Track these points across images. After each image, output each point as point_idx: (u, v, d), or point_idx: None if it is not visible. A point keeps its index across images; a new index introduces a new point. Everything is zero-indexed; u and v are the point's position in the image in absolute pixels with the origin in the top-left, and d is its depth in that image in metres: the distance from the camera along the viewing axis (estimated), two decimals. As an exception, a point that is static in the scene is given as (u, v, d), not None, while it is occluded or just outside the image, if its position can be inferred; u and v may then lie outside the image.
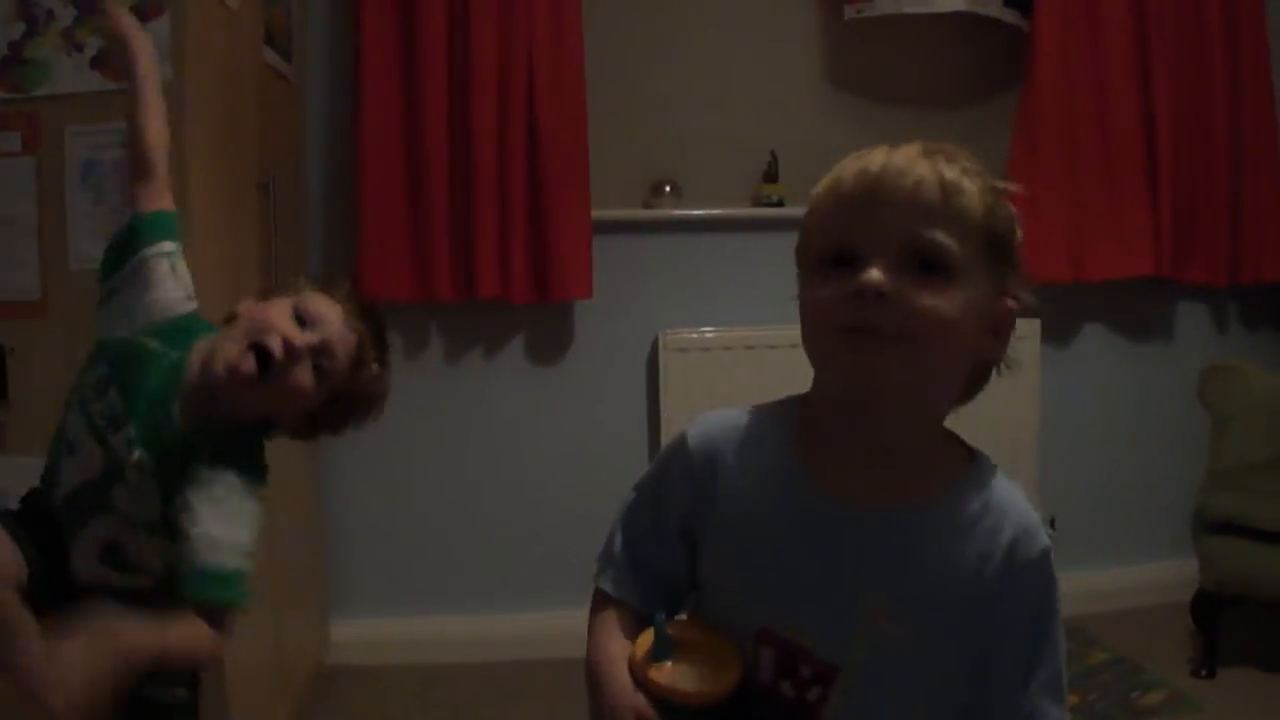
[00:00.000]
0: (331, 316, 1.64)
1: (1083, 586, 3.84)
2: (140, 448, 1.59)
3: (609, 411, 3.55)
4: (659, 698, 1.14)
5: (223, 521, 1.54)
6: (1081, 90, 3.68)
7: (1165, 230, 3.70)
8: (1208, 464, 3.53)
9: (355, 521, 3.48)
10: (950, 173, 1.13)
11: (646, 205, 3.62)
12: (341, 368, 1.66)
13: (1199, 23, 3.75)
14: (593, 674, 1.21)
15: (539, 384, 3.53)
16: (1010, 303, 1.16)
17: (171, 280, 1.74)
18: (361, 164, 3.29)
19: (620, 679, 1.17)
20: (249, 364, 1.58)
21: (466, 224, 3.34)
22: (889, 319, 1.07)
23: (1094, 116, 3.69)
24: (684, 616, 1.26)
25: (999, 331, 1.17)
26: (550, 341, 3.55)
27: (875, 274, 1.07)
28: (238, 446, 1.63)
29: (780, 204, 3.58)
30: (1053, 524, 3.81)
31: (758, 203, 3.63)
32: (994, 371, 1.22)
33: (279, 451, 2.88)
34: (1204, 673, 3.23)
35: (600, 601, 1.29)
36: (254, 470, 1.64)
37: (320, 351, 1.63)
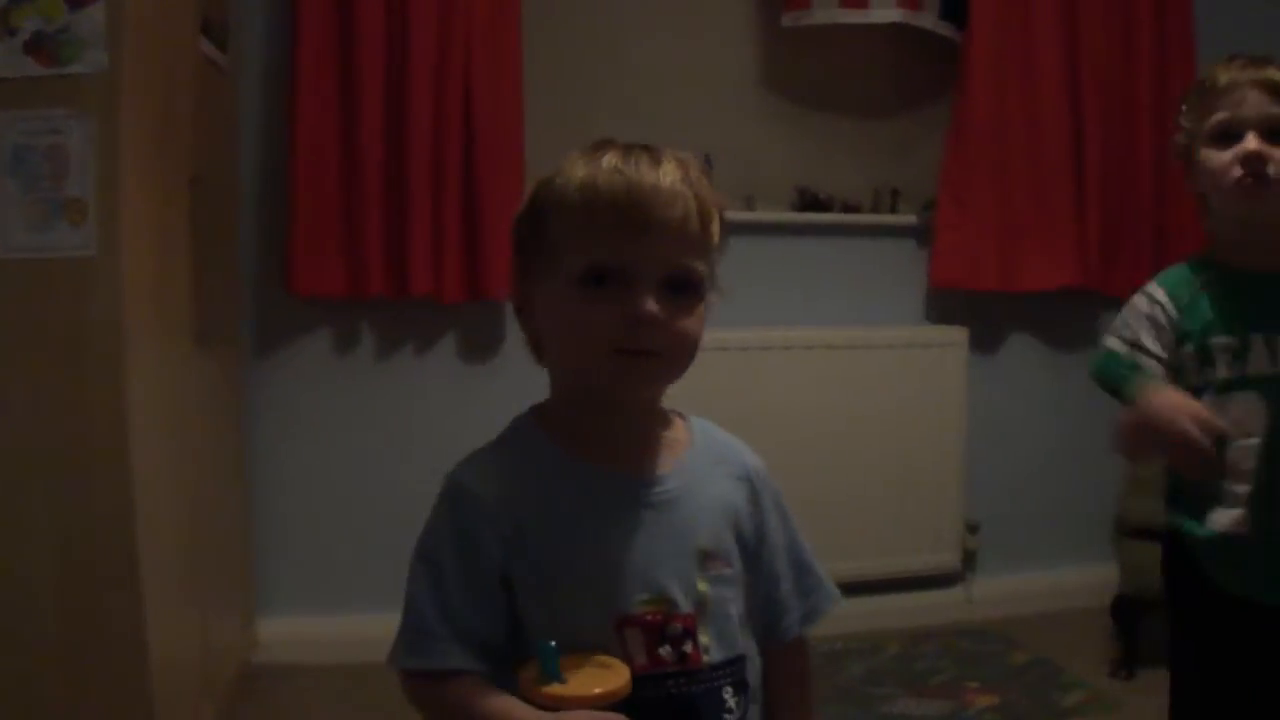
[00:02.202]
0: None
1: (1006, 590, 3.91)
2: None
3: (540, 411, 3.53)
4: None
5: None
6: (1012, 103, 3.75)
7: (1091, 242, 3.77)
8: (1129, 471, 3.59)
9: (283, 518, 3.45)
10: (706, 196, 1.23)
11: (581, 206, 3.61)
12: None
13: (1129, 41, 3.84)
14: None
15: (471, 382, 3.51)
16: (714, 296, 1.28)
17: None
18: (295, 158, 3.26)
19: (531, 714, 1.14)
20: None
21: (400, 221, 3.33)
22: (656, 341, 1.20)
23: (1024, 129, 3.76)
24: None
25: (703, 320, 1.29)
26: (482, 340, 3.54)
27: (652, 306, 1.18)
28: None
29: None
30: (976, 529, 3.86)
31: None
32: None
33: (202, 443, 2.85)
34: (1123, 674, 3.30)
35: (439, 682, 1.20)
36: None
37: None
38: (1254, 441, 1.80)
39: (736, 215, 3.61)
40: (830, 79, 3.89)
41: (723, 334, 3.31)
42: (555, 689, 1.13)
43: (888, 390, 3.70)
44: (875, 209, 3.87)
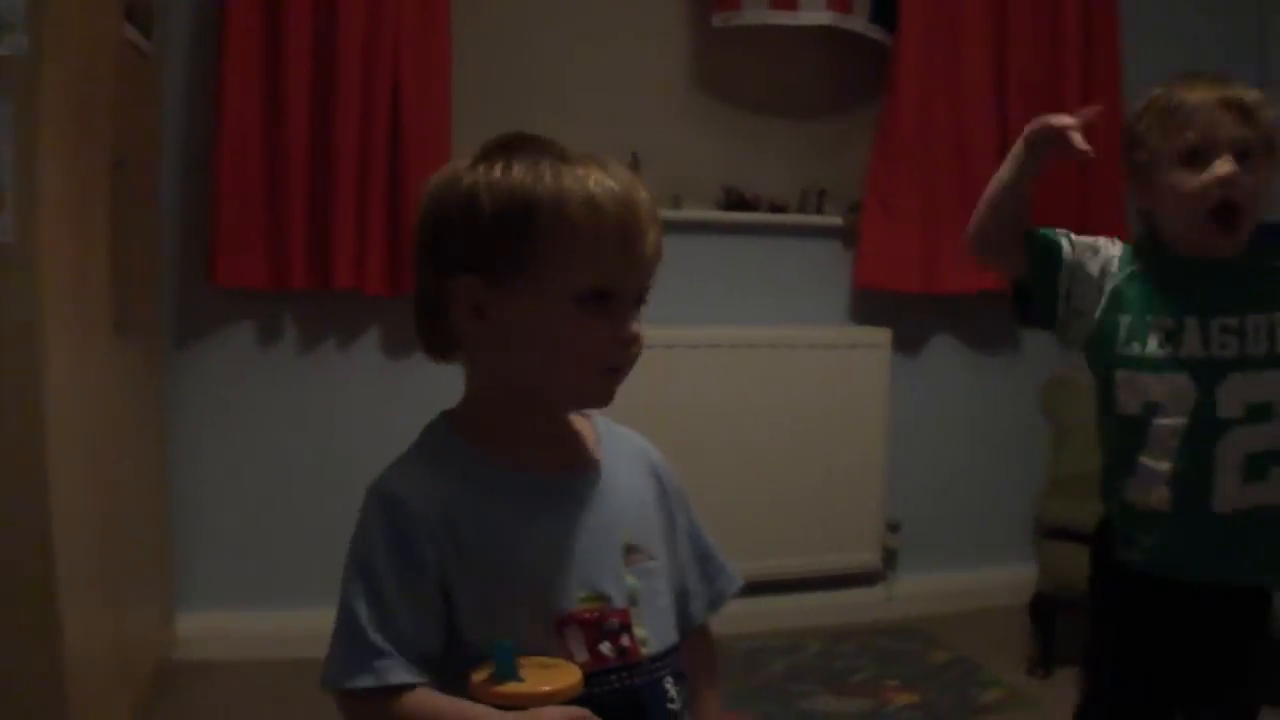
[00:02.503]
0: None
1: (926, 589, 3.95)
2: None
3: (465, 406, 3.52)
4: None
5: None
6: (940, 107, 3.78)
7: (1014, 246, 3.81)
8: (1049, 472, 3.65)
9: (203, 512, 3.40)
10: (660, 218, 1.28)
11: (509, 201, 3.60)
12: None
13: (1056, 46, 3.90)
14: None
15: (393, 376, 3.48)
16: None
17: None
18: (219, 148, 3.22)
19: (496, 715, 1.12)
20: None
21: (325, 214, 3.30)
22: (635, 360, 1.26)
23: (951, 132, 3.80)
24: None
25: None
26: (405, 333, 3.48)
27: (638, 325, 1.24)
28: None
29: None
30: (897, 528, 3.90)
31: (619, 203, 3.63)
32: None
33: (121, 435, 2.81)
34: (1040, 671, 3.35)
35: (385, 699, 1.16)
36: None
37: None
38: (1180, 421, 1.84)
39: (663, 213, 3.63)
40: (760, 79, 3.90)
41: (647, 331, 3.26)
42: (515, 687, 1.11)
43: (811, 389, 3.72)
44: (802, 209, 3.89)
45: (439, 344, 1.29)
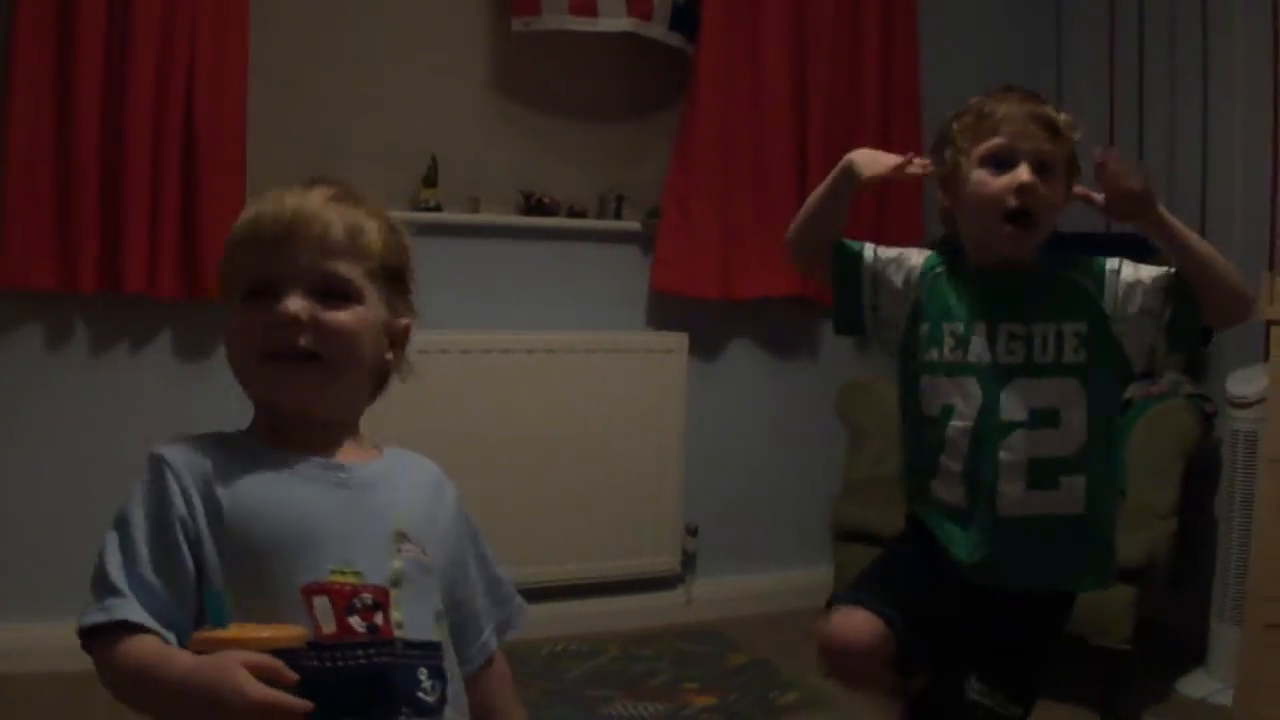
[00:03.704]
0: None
1: (723, 592, 3.99)
2: None
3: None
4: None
5: None
6: (739, 114, 3.83)
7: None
8: (844, 476, 3.72)
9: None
10: (354, 217, 1.36)
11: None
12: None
13: (855, 57, 3.99)
14: (182, 684, 1.13)
15: (187, 380, 3.37)
16: (404, 321, 1.42)
17: None
18: (7, 145, 3.08)
19: (189, 658, 1.15)
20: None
21: (116, 214, 3.18)
22: (307, 341, 1.31)
23: (750, 140, 3.85)
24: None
25: (396, 344, 1.42)
26: (199, 337, 3.40)
27: (291, 305, 1.29)
28: None
29: (438, 208, 3.53)
30: (696, 532, 3.92)
31: (416, 206, 3.56)
32: (395, 377, 1.46)
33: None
34: (836, 673, 3.40)
35: (117, 641, 1.19)
36: None
37: None
38: (969, 424, 1.93)
39: (460, 217, 3.60)
40: (560, 84, 3.89)
41: (446, 336, 3.28)
42: (216, 634, 1.14)
43: (609, 394, 3.72)
44: (601, 214, 3.89)
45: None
